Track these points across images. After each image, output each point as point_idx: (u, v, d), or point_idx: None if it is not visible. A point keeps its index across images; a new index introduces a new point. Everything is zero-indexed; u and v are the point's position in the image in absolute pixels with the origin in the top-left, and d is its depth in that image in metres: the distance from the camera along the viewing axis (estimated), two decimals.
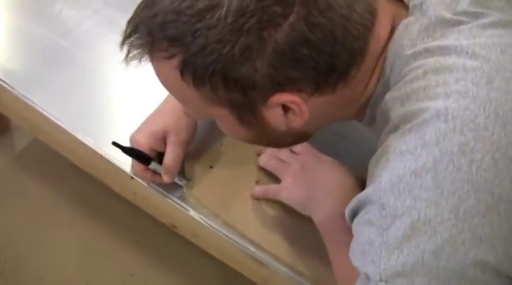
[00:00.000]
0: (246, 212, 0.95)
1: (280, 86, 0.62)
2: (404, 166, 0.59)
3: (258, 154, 0.99)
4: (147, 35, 0.62)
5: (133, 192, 1.06)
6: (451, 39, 0.64)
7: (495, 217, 0.56)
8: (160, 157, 0.92)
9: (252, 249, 0.92)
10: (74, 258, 1.34)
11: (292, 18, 0.58)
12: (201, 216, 0.96)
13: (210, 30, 0.58)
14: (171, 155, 0.90)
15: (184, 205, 0.96)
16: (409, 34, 0.66)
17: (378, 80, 0.68)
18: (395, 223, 0.57)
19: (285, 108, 0.66)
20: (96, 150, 1.02)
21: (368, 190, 0.62)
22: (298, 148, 0.93)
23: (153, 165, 0.91)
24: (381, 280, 0.57)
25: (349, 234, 0.66)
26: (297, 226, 0.91)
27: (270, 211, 0.94)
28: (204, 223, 0.95)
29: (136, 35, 0.62)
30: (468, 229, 0.55)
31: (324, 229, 0.83)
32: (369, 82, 0.68)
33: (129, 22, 0.64)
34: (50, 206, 1.41)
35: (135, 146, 0.91)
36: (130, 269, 1.33)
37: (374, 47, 0.66)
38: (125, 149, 0.90)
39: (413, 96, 0.62)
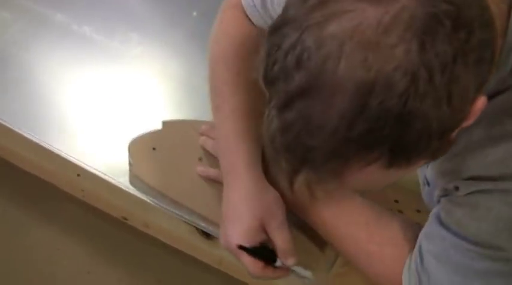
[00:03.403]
0: (193, 189, 0.96)
1: (479, 89, 0.55)
2: None
3: (201, 134, 1.01)
4: (330, 158, 0.52)
5: (82, 189, 1.07)
6: None
7: None
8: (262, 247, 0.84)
9: (203, 224, 0.94)
10: (29, 264, 1.33)
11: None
12: (149, 198, 0.97)
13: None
14: (281, 239, 0.83)
15: (133, 195, 0.98)
16: None
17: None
18: None
19: None
20: (41, 146, 1.03)
21: None
22: None
23: (278, 261, 0.84)
24: None
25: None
26: None
27: (218, 186, 0.94)
28: (155, 206, 0.97)
29: (309, 165, 0.54)
30: None
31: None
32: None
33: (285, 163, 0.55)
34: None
35: (233, 247, 0.83)
36: (87, 267, 1.34)
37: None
38: (252, 251, 0.82)
39: None
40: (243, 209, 0.83)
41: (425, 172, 0.78)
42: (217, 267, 1.05)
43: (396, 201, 0.96)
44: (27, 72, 1.14)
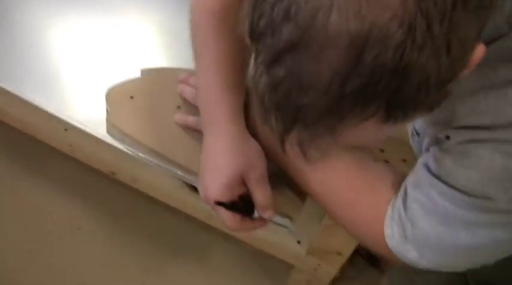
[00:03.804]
0: (171, 138, 0.94)
1: (479, 37, 0.52)
2: None
3: (180, 82, 0.99)
4: (323, 115, 0.50)
5: (69, 144, 1.06)
6: None
7: None
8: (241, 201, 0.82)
9: (180, 173, 0.93)
10: (19, 218, 1.33)
11: None
12: (126, 146, 0.96)
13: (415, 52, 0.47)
14: (260, 193, 0.82)
15: (120, 149, 0.97)
16: None
17: None
18: None
19: None
20: (27, 101, 1.02)
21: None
22: None
23: (256, 213, 0.83)
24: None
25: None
26: None
27: (197, 134, 0.92)
28: (142, 160, 0.95)
29: (301, 124, 0.51)
30: None
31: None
32: None
33: (280, 119, 0.51)
34: None
35: (211, 201, 0.81)
36: (77, 222, 1.34)
37: None
38: (230, 206, 0.80)
39: None
40: (223, 161, 0.81)
41: (414, 123, 0.76)
42: (207, 222, 1.05)
43: (382, 150, 0.93)
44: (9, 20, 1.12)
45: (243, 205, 0.81)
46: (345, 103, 0.48)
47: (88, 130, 1.00)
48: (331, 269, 1.00)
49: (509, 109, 0.60)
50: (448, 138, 0.66)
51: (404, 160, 0.90)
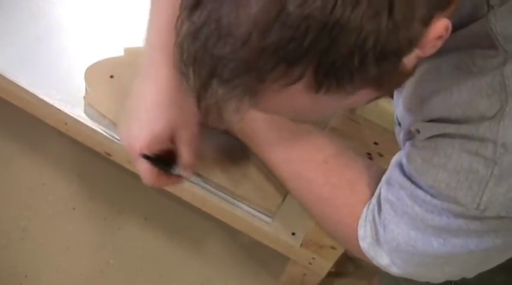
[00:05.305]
0: None
1: (436, 8, 0.47)
2: None
3: None
4: (242, 71, 0.44)
5: (65, 123, 1.04)
6: None
7: None
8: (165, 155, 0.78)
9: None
10: (14, 196, 1.32)
11: None
12: (102, 128, 0.93)
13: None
14: (188, 152, 0.77)
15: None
16: None
17: None
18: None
19: None
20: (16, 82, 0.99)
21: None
22: None
23: (176, 170, 0.79)
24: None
25: None
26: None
27: None
28: None
29: (218, 79, 0.45)
30: None
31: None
32: None
33: (190, 67, 0.47)
34: None
35: (135, 152, 0.76)
36: (73, 202, 1.33)
37: None
38: (154, 160, 0.75)
39: None
40: (157, 113, 0.74)
41: (397, 111, 0.69)
42: (201, 208, 1.02)
43: (376, 143, 0.89)
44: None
45: (163, 159, 0.76)
46: (265, 58, 0.43)
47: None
48: (326, 263, 0.97)
49: (482, 102, 0.53)
50: (418, 131, 0.60)
51: None
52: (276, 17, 0.41)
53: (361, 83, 0.47)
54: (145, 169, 0.76)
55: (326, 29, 0.41)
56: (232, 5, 0.42)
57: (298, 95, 0.46)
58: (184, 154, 0.77)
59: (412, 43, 0.47)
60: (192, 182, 0.88)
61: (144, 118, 0.75)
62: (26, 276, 1.22)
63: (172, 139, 0.76)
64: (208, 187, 0.92)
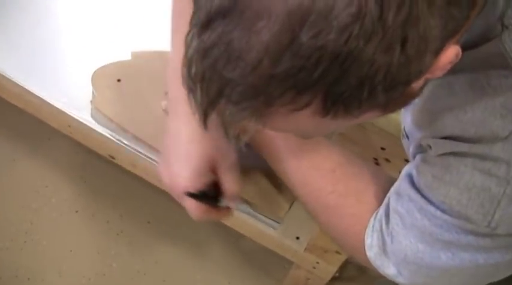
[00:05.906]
0: (156, 125, 0.89)
1: (448, 37, 0.47)
2: None
3: None
4: (250, 95, 0.44)
5: (68, 125, 1.04)
6: None
7: None
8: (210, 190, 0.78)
9: None
10: (17, 198, 1.32)
11: None
12: (110, 132, 0.92)
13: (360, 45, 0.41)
14: (230, 181, 0.77)
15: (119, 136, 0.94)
16: None
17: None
18: None
19: None
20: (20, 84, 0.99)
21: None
22: None
23: (222, 202, 0.78)
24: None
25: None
26: None
27: None
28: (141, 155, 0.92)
29: (226, 100, 0.45)
30: None
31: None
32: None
33: (199, 83, 0.46)
34: None
35: (179, 191, 0.75)
36: (76, 205, 1.32)
37: None
38: (199, 197, 0.75)
39: None
40: (193, 148, 0.74)
41: (404, 124, 0.69)
42: None
43: (383, 148, 0.89)
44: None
45: (209, 193, 0.76)
46: (274, 85, 0.43)
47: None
48: (331, 267, 0.97)
49: (496, 122, 0.54)
50: (430, 147, 0.60)
51: (407, 160, 0.85)
52: (288, 46, 0.41)
53: (368, 108, 0.47)
54: (192, 206, 0.75)
55: (338, 60, 0.41)
56: (244, 30, 0.41)
57: (305, 119, 0.46)
58: (227, 183, 0.76)
59: (422, 72, 0.47)
60: (239, 210, 0.87)
61: (182, 154, 0.75)
62: (29, 278, 1.22)
63: (213, 170, 0.76)
64: None
